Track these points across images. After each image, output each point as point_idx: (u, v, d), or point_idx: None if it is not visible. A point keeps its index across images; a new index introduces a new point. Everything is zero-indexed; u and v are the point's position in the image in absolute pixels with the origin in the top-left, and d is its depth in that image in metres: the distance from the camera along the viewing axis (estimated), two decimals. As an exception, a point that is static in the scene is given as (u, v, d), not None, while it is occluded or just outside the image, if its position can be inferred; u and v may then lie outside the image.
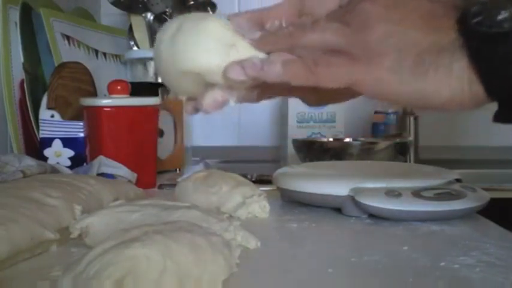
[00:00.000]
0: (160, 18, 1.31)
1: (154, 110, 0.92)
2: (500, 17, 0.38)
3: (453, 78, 0.40)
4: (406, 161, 1.24)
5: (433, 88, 0.41)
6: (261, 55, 0.46)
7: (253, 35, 0.46)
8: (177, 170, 1.17)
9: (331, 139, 1.28)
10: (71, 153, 0.96)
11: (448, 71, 0.40)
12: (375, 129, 1.51)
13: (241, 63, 0.45)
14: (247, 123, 1.59)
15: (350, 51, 0.43)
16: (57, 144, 0.96)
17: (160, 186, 0.93)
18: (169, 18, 1.31)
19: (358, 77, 0.43)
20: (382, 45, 0.41)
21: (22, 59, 1.01)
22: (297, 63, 0.44)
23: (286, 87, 0.47)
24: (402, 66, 0.41)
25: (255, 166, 1.34)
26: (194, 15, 0.49)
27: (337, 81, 0.43)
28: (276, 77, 0.45)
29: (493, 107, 0.42)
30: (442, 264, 0.48)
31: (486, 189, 0.70)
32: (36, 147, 0.98)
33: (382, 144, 1.16)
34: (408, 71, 0.41)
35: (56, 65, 1.05)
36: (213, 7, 1.34)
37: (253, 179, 0.96)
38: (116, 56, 1.33)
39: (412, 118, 1.40)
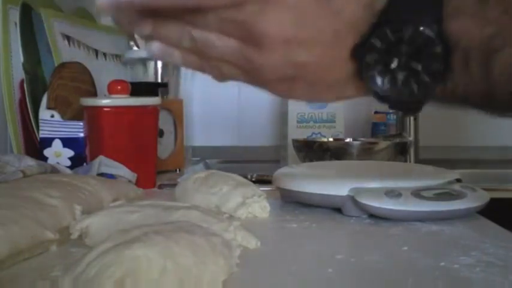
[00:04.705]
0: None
1: (154, 110, 0.92)
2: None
3: (344, 96, 0.44)
4: (406, 161, 1.24)
5: (325, 100, 0.46)
6: None
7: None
8: (177, 170, 1.17)
9: (331, 139, 1.28)
10: (71, 153, 0.96)
11: (341, 93, 0.44)
12: (375, 129, 1.52)
13: None
14: (247, 123, 1.59)
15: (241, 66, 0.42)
16: (57, 144, 0.96)
17: (160, 186, 0.93)
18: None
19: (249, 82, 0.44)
20: (273, 73, 0.41)
21: (22, 59, 1.01)
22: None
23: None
24: (294, 91, 0.43)
25: (255, 166, 1.34)
26: None
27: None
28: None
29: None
30: (442, 264, 0.48)
31: (486, 189, 0.70)
32: (36, 147, 0.98)
33: (382, 144, 1.16)
34: (300, 94, 0.44)
35: (56, 65, 1.05)
36: None
37: (253, 179, 0.96)
38: (116, 56, 1.33)
39: (412, 118, 1.40)
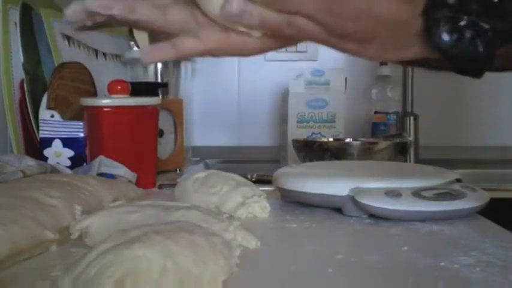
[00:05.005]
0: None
1: (154, 110, 0.92)
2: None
3: (410, 54, 0.44)
4: (406, 161, 1.25)
5: (392, 58, 0.46)
6: None
7: None
8: (177, 170, 1.17)
9: (331, 139, 1.28)
10: (71, 153, 0.96)
11: (407, 51, 0.44)
12: (375, 129, 1.52)
13: None
14: (247, 123, 1.59)
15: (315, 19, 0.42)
16: (57, 144, 0.96)
17: (160, 186, 0.93)
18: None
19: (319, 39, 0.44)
20: (352, 27, 0.42)
21: (22, 59, 1.01)
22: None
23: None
24: (365, 49, 0.44)
25: (255, 166, 1.34)
26: None
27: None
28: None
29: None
30: (442, 264, 0.48)
31: (486, 189, 0.70)
32: (36, 147, 0.98)
33: (382, 144, 1.16)
34: (371, 52, 0.44)
35: (56, 65, 1.05)
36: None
37: (253, 179, 0.96)
38: (116, 56, 1.33)
39: (412, 118, 1.40)
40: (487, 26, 0.40)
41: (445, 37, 0.40)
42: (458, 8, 0.40)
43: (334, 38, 0.43)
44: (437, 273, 0.46)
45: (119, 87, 0.89)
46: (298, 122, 1.33)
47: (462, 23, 0.40)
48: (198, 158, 1.43)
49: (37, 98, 0.99)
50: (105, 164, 0.84)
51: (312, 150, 1.14)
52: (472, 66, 0.43)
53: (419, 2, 0.41)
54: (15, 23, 1.01)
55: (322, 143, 1.20)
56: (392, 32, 0.42)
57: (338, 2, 0.41)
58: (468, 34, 0.40)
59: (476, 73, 0.44)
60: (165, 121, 1.12)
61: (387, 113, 1.51)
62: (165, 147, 1.13)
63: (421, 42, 0.42)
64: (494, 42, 0.40)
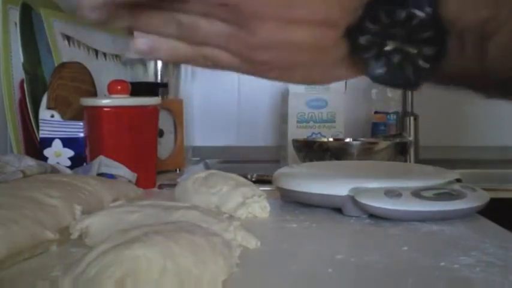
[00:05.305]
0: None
1: (154, 110, 0.92)
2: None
3: (339, 77, 0.43)
4: (406, 161, 1.24)
5: (320, 82, 0.45)
6: None
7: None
8: (177, 170, 1.17)
9: (331, 139, 1.28)
10: (71, 153, 0.96)
11: (335, 74, 0.43)
12: (375, 129, 1.52)
13: None
14: (247, 123, 1.59)
15: (228, 49, 0.40)
16: (57, 144, 0.96)
17: (160, 186, 0.93)
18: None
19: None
20: (266, 56, 0.40)
21: (22, 59, 1.01)
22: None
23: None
24: (289, 74, 0.43)
25: (255, 166, 1.34)
26: None
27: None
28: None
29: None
30: (442, 264, 0.48)
31: (486, 189, 0.70)
32: (36, 147, 0.98)
33: (382, 144, 1.16)
34: (295, 77, 0.43)
35: (56, 65, 1.05)
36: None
37: (253, 179, 0.96)
38: (116, 56, 1.33)
39: (412, 118, 1.40)
40: (414, 51, 0.39)
41: (372, 62, 0.39)
42: (380, 34, 0.38)
43: (252, 67, 0.41)
44: (437, 273, 0.46)
45: (119, 87, 0.89)
46: (298, 122, 1.33)
47: (387, 48, 0.39)
48: (198, 158, 1.43)
49: (37, 98, 0.99)
50: (105, 164, 0.84)
51: (312, 150, 1.14)
52: (404, 87, 0.42)
53: (340, 25, 0.39)
54: (15, 23, 1.01)
55: (322, 143, 1.20)
56: (314, 58, 0.41)
57: (246, 31, 0.39)
58: (395, 59, 0.39)
59: (411, 89, 0.42)
60: (165, 121, 1.12)
61: (387, 113, 1.51)
62: (165, 147, 1.13)
63: (349, 65, 0.41)
64: (423, 66, 0.39)
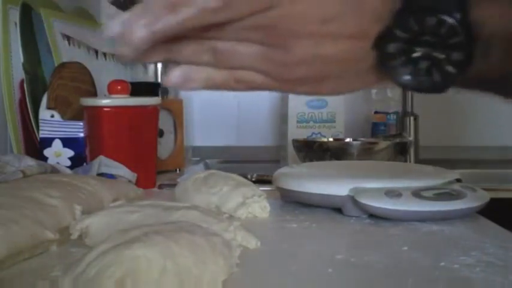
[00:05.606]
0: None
1: (154, 110, 0.92)
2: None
3: (367, 85, 0.44)
4: (406, 161, 1.24)
5: (348, 91, 0.45)
6: None
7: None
8: (177, 170, 1.17)
9: (331, 139, 1.28)
10: (71, 153, 0.96)
11: (364, 83, 0.43)
12: (375, 129, 1.52)
13: None
14: (247, 123, 1.59)
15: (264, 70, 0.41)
16: (57, 144, 0.96)
17: (160, 186, 0.93)
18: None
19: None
20: (300, 72, 0.41)
21: (22, 59, 1.01)
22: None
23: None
24: (320, 87, 0.43)
25: (255, 166, 1.34)
26: None
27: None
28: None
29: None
30: (442, 264, 0.48)
31: (486, 189, 0.70)
32: (36, 147, 0.97)
33: (382, 144, 1.16)
34: (326, 89, 0.44)
35: (56, 65, 1.05)
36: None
37: (253, 179, 0.96)
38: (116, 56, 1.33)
39: (412, 118, 1.40)
40: (442, 56, 0.39)
41: (400, 69, 0.40)
42: (410, 41, 0.39)
43: (283, 85, 0.42)
44: (437, 273, 0.46)
45: (119, 87, 0.89)
46: (298, 122, 1.33)
47: (415, 55, 0.39)
48: (198, 158, 1.43)
49: (37, 98, 0.99)
50: (105, 164, 0.84)
51: (312, 150, 1.14)
52: (430, 92, 0.42)
53: (369, 37, 0.40)
54: (15, 23, 1.01)
55: (322, 143, 1.20)
56: (344, 69, 0.41)
57: (282, 50, 0.39)
58: (423, 65, 0.39)
59: (437, 93, 0.43)
60: (165, 121, 1.12)
61: (387, 113, 1.51)
62: (165, 147, 1.13)
63: (377, 74, 0.42)
64: (451, 71, 0.39)
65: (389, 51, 0.39)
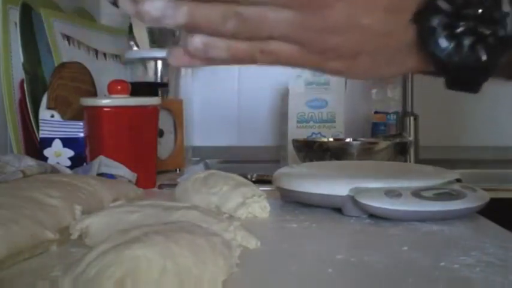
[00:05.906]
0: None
1: (154, 110, 0.92)
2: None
3: (404, 69, 0.41)
4: (406, 161, 1.24)
5: (385, 74, 0.43)
6: None
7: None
8: (177, 170, 1.17)
9: (331, 139, 1.28)
10: (71, 153, 0.96)
11: (400, 65, 0.41)
12: (375, 129, 1.52)
13: None
14: (247, 123, 1.59)
15: (302, 42, 0.38)
16: (57, 144, 0.96)
17: (160, 186, 0.93)
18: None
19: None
20: (334, 40, 0.38)
21: (22, 59, 1.01)
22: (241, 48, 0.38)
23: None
24: (353, 66, 0.40)
25: (255, 166, 1.34)
26: None
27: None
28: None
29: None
30: (442, 264, 0.48)
31: (486, 189, 0.70)
32: (36, 147, 0.98)
33: (382, 144, 1.16)
34: (360, 69, 0.41)
35: (56, 65, 1.05)
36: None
37: (253, 179, 0.96)
38: (116, 56, 1.33)
39: (412, 118, 1.40)
40: (487, 32, 0.37)
41: (443, 44, 0.37)
42: (453, 14, 0.37)
43: (314, 56, 0.39)
44: (437, 273, 0.46)
45: (119, 87, 0.89)
46: (298, 122, 1.33)
47: (460, 30, 0.37)
48: (198, 158, 1.43)
49: (37, 98, 0.99)
50: (105, 164, 0.84)
51: (312, 150, 1.14)
52: (471, 75, 0.39)
53: (407, 9, 0.38)
54: (15, 23, 1.01)
55: (322, 143, 1.20)
56: (380, 44, 0.39)
57: (312, 16, 0.37)
58: (467, 41, 0.37)
59: (474, 86, 0.40)
60: (165, 121, 1.12)
61: (387, 113, 1.51)
62: (165, 147, 1.13)
63: (415, 54, 0.39)
64: (497, 48, 0.37)
65: (431, 25, 0.37)
